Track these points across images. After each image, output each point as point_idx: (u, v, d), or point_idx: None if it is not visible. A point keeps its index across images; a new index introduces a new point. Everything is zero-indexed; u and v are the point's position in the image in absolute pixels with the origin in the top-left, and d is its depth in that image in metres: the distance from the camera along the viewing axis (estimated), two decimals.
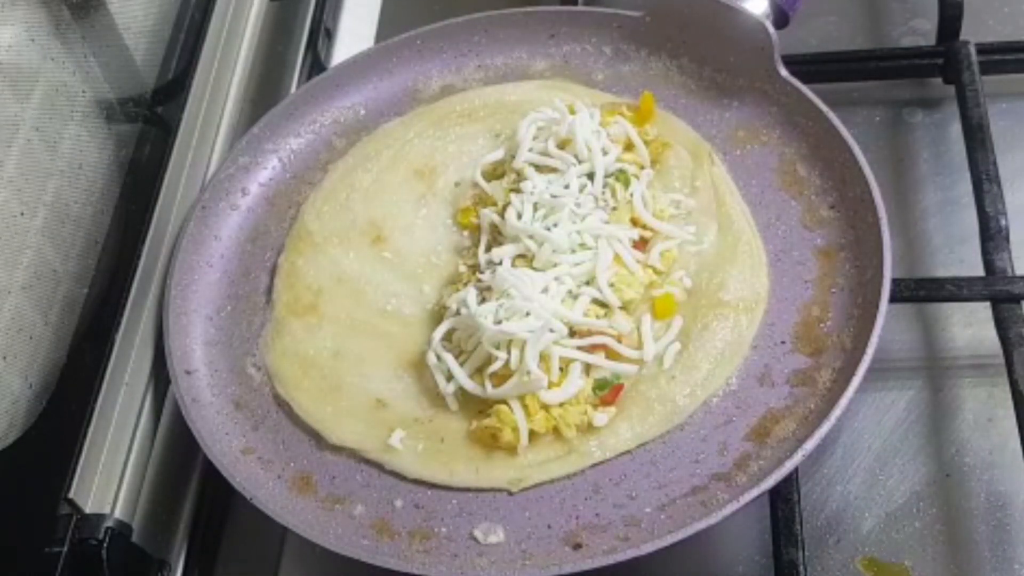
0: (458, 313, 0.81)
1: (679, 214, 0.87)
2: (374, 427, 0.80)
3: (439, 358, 0.80)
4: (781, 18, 0.92)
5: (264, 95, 1.05)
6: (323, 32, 1.09)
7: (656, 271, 0.84)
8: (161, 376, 0.85)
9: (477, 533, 0.74)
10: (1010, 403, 0.75)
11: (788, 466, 0.70)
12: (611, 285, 0.81)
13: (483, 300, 0.80)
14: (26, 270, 0.80)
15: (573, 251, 0.83)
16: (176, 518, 0.83)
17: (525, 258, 0.83)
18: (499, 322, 0.78)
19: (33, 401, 0.79)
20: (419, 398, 0.81)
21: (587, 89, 0.97)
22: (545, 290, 0.80)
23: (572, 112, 0.90)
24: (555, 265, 0.82)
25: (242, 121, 1.02)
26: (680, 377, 0.79)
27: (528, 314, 0.78)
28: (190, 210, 0.92)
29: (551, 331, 0.77)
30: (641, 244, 0.85)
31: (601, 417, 0.77)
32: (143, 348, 0.85)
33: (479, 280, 0.83)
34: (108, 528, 0.76)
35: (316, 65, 1.07)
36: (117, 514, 0.78)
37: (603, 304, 0.81)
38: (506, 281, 0.80)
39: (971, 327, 0.85)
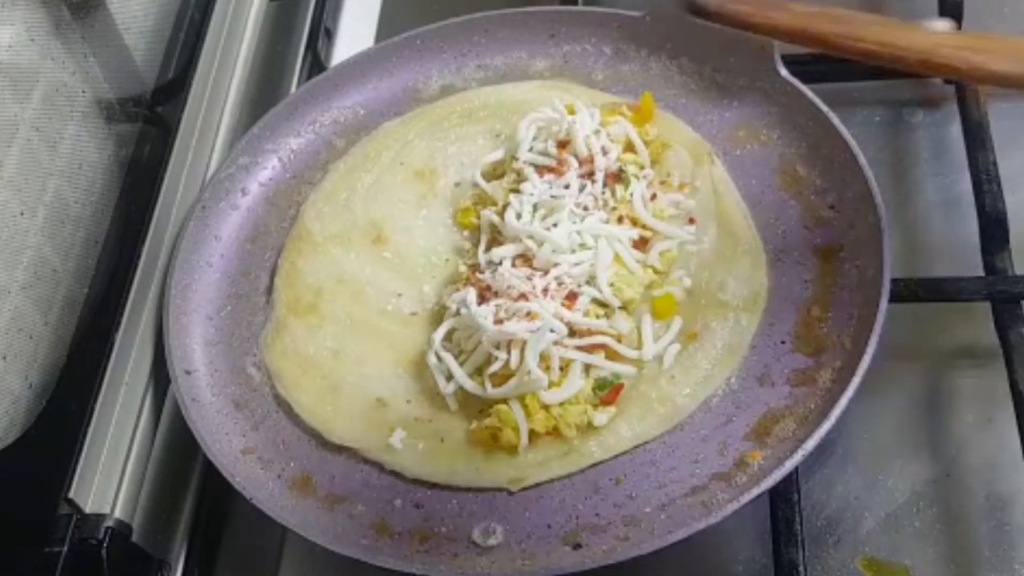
0: (458, 313, 0.81)
1: (679, 214, 0.87)
2: (374, 427, 0.80)
3: (439, 358, 0.80)
4: None
5: (264, 95, 1.05)
6: (323, 32, 1.09)
7: (656, 271, 0.84)
8: (161, 376, 0.85)
9: (477, 533, 0.74)
10: (1010, 403, 0.75)
11: (788, 466, 0.70)
12: (611, 285, 0.81)
13: (483, 300, 0.80)
14: (26, 270, 0.80)
15: (573, 251, 0.82)
16: (176, 518, 0.83)
17: (525, 258, 0.83)
18: (499, 322, 0.78)
19: (33, 401, 0.79)
20: (419, 398, 0.81)
21: (587, 89, 0.97)
22: (545, 290, 0.80)
23: (572, 112, 0.90)
24: (555, 265, 0.82)
25: (242, 121, 1.02)
26: (680, 377, 0.79)
27: (528, 314, 0.78)
28: (190, 210, 0.92)
29: (551, 331, 0.77)
30: (641, 244, 0.85)
31: (601, 417, 0.77)
32: (143, 348, 0.85)
33: (479, 280, 0.83)
34: (108, 528, 0.76)
35: (316, 65, 1.07)
36: (117, 514, 0.78)
37: (603, 304, 0.81)
38: (506, 281, 0.80)
39: (971, 327, 0.84)
